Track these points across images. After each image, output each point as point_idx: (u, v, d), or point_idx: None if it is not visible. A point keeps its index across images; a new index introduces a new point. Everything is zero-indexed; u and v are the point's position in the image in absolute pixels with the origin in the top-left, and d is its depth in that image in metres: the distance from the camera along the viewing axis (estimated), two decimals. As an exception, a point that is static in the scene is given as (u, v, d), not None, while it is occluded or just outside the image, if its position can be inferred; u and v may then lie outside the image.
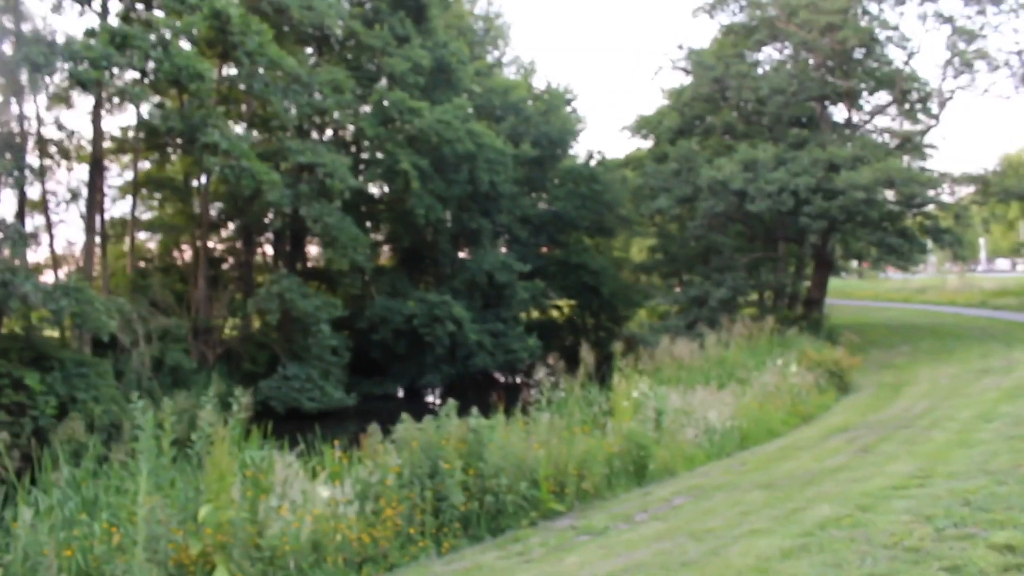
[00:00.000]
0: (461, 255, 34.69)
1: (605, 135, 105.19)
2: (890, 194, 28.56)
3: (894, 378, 22.00)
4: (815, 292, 32.22)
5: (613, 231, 44.94)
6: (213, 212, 31.18)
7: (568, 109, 44.44)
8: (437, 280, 34.39)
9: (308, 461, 11.06)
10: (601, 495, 11.24)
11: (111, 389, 21.68)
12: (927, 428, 12.06)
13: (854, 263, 42.89)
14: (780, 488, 9.50)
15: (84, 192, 25.90)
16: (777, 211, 28.33)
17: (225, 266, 32.92)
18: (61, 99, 27.62)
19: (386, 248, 39.67)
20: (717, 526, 7.93)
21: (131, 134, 27.91)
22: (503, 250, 33.48)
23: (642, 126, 41.87)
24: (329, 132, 33.12)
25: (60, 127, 26.17)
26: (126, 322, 24.96)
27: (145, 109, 23.46)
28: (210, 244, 34.45)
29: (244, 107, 30.03)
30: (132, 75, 22.31)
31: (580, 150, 44.33)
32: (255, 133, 28.82)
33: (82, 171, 27.77)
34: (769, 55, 35.98)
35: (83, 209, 25.81)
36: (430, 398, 32.27)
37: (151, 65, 21.22)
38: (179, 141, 23.66)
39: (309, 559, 8.28)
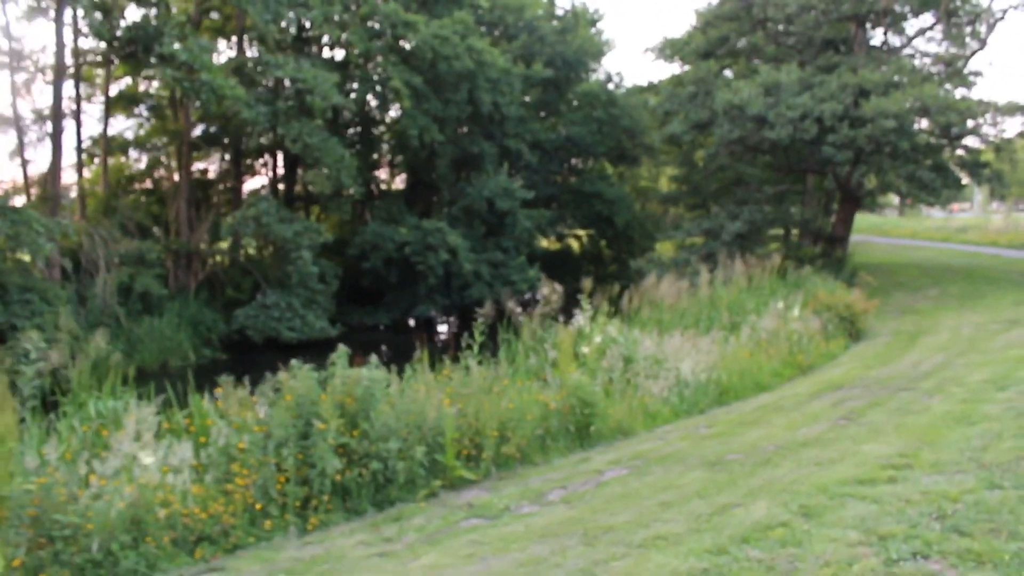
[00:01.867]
0: (465, 182, 32.62)
1: (638, 61, 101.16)
2: (925, 124, 26.03)
3: (913, 325, 19.92)
4: (839, 229, 29.85)
5: (637, 159, 42.54)
6: (199, 132, 29.35)
7: (592, 31, 41.80)
8: (437, 206, 32.48)
9: (173, 415, 9.37)
10: (530, 460, 9.55)
11: (61, 317, 20.22)
12: (929, 392, 10.13)
13: (893, 198, 40.29)
14: (728, 468, 7.69)
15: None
16: (800, 139, 25.91)
17: (215, 189, 31.25)
18: (36, 10, 25.84)
19: (386, 172, 37.86)
20: (623, 523, 6.17)
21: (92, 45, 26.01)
22: (509, 176, 31.28)
23: (667, 48, 39.09)
24: (322, 49, 31.00)
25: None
26: (91, 245, 23.53)
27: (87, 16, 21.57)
28: (200, 166, 32.91)
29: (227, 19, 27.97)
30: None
31: (603, 74, 41.49)
32: (230, 46, 26.76)
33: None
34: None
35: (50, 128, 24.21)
36: (443, 327, 30.74)
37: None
38: (134, 52, 21.72)
39: (123, 539, 6.64)
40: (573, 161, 40.50)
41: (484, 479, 8.91)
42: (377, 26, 27.52)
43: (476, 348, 10.66)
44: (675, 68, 39.41)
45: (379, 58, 27.35)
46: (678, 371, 12.11)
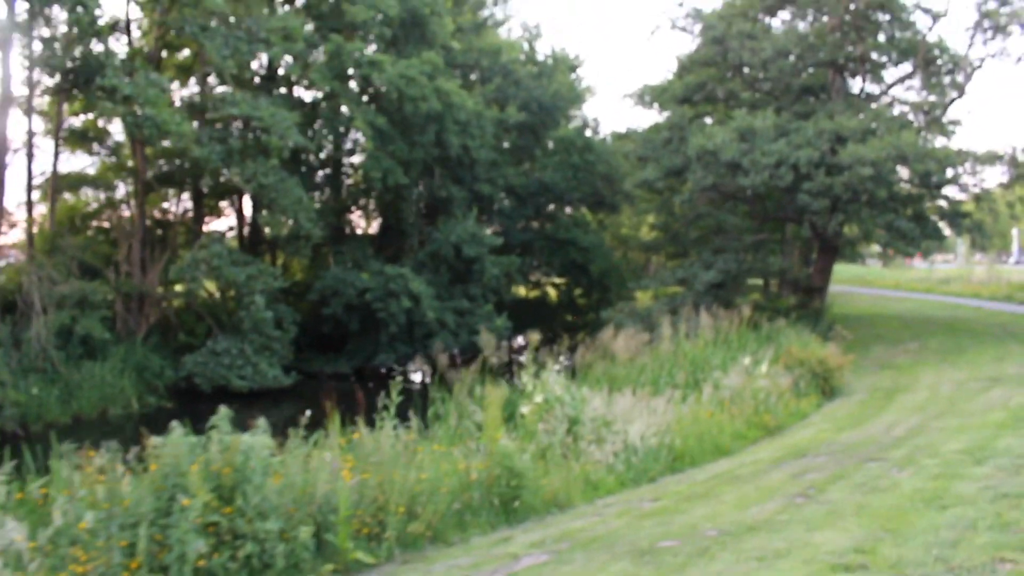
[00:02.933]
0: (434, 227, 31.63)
1: (620, 108, 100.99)
2: (906, 173, 25.29)
3: (891, 382, 18.89)
4: (817, 279, 28.94)
5: (617, 206, 41.69)
6: (160, 171, 28.31)
7: (571, 76, 41.24)
8: (403, 252, 31.42)
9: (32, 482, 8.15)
10: (444, 539, 8.37)
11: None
12: (900, 464, 9.02)
13: (875, 248, 39.53)
14: (657, 559, 6.54)
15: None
16: (775, 187, 25.10)
17: (174, 231, 30.11)
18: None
19: (361, 216, 36.85)
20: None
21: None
22: (479, 222, 30.32)
23: (646, 94, 38.47)
24: (291, 89, 30.14)
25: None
26: (31, 286, 22.34)
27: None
28: (166, 206, 31.88)
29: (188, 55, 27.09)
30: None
31: (581, 120, 40.84)
32: (195, 83, 25.84)
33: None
34: (783, 19, 32.53)
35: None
36: (417, 376, 29.48)
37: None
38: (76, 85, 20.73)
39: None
40: (549, 207, 39.60)
41: (386, 562, 7.74)
42: (340, 65, 26.64)
43: (392, 409, 9.53)
44: (655, 115, 38.89)
45: (342, 98, 26.42)
46: (625, 433, 10.97)
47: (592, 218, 45.90)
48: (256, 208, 30.79)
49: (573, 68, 42.24)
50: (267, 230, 28.20)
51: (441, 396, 11.71)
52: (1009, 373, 17.15)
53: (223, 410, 7.75)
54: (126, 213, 28.56)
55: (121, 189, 29.88)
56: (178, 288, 28.16)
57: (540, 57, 40.82)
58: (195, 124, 24.35)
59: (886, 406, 15.46)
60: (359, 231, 37.00)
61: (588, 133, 39.29)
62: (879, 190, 23.42)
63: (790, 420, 15.23)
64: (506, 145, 38.66)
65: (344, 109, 27.36)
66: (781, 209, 28.43)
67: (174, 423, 7.60)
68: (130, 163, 27.80)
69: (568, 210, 40.81)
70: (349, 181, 34.39)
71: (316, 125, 27.69)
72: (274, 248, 32.23)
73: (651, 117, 39.84)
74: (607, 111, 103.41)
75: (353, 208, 33.65)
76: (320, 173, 30.79)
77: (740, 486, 9.33)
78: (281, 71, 27.30)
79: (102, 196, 30.28)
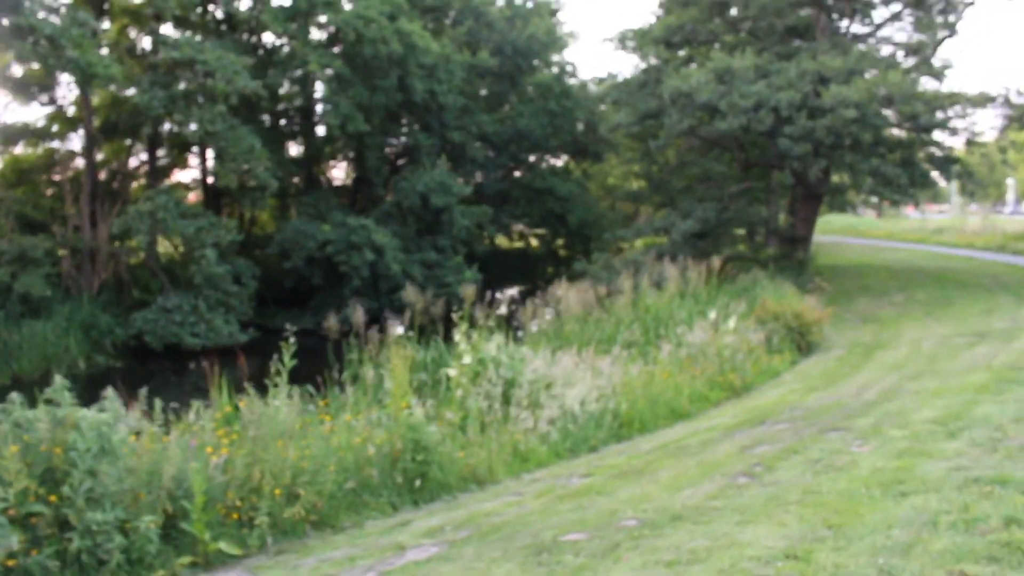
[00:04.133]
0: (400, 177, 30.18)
1: (604, 54, 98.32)
2: (894, 117, 23.91)
3: (872, 336, 17.78)
4: (801, 228, 27.70)
5: (600, 155, 40.21)
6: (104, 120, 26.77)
7: (551, 20, 39.45)
8: (370, 202, 30.07)
9: None
10: (333, 523, 7.29)
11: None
12: (863, 435, 7.89)
13: (866, 197, 38.26)
14: (556, 558, 5.43)
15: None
16: (754, 131, 23.75)
17: (128, 184, 28.68)
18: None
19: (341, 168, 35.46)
20: None
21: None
22: (450, 171, 28.93)
23: (626, 38, 36.81)
24: (251, 36, 28.48)
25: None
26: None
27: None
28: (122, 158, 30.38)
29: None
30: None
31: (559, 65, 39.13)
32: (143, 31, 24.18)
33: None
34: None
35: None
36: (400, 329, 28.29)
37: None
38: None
39: None
40: (527, 156, 38.10)
41: (258, 552, 6.63)
42: (294, 5, 25.01)
43: (286, 375, 8.37)
44: (639, 62, 37.28)
45: (298, 42, 24.86)
46: (563, 398, 9.82)
47: (575, 168, 44.48)
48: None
49: (553, 12, 40.49)
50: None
51: (359, 357, 10.56)
52: (996, 328, 16.02)
53: (58, 380, 6.54)
54: (80, 166, 27.09)
55: (76, 142, 28.39)
56: (133, 243, 26.90)
57: (518, 0, 39.09)
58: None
59: (863, 364, 14.35)
60: (336, 183, 35.74)
61: (568, 79, 37.59)
62: (863, 133, 22.12)
63: (760, 379, 14.14)
64: (484, 93, 37.13)
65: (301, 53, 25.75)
66: (762, 155, 27.08)
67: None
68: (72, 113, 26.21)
69: (548, 159, 39.42)
70: (323, 131, 32.92)
71: (272, 71, 26.10)
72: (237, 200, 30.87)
73: (635, 63, 37.92)
74: (593, 57, 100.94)
75: (321, 159, 32.11)
76: (283, 122, 29.21)
77: (682, 460, 8.21)
78: (221, 13, 25.61)
79: (56, 148, 28.76)
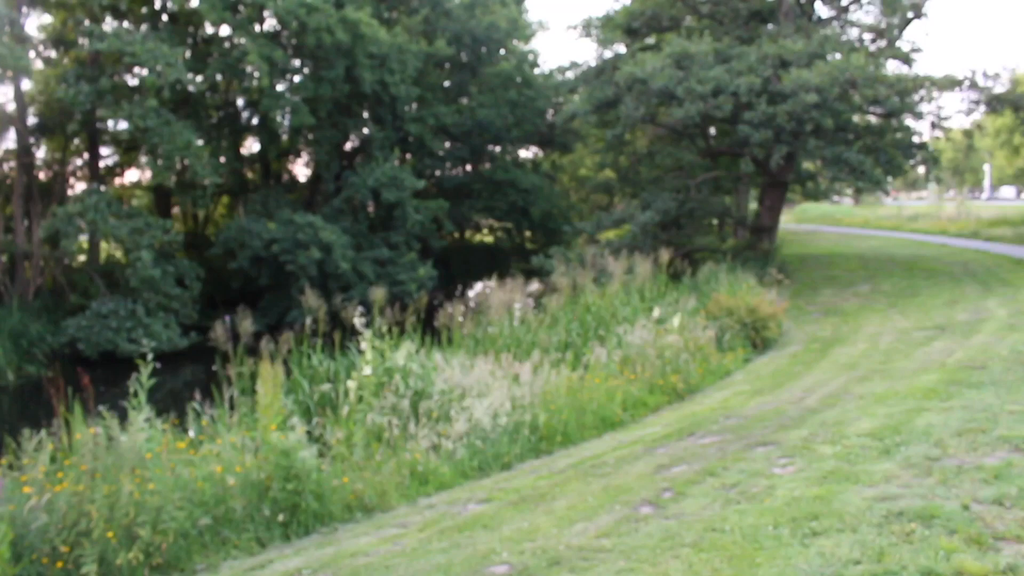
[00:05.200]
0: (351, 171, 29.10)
1: (573, 43, 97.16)
2: (859, 101, 23.05)
3: (832, 331, 16.92)
4: (766, 218, 26.84)
5: (568, 145, 39.31)
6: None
7: (516, 9, 38.43)
8: (324, 199, 29.00)
9: None
10: (182, 567, 6.30)
11: None
12: (791, 453, 6.99)
13: (837, 185, 37.55)
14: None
15: None
16: (712, 117, 22.86)
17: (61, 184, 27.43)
18: None
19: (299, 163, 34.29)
20: None
21: None
22: (403, 164, 27.94)
23: (589, 25, 35.86)
24: (190, 27, 27.26)
25: None
26: None
27: None
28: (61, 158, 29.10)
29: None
30: None
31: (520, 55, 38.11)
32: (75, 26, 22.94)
33: None
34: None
35: None
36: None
37: None
38: None
39: None
40: (491, 148, 37.09)
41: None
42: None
43: (144, 396, 7.41)
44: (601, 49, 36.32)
45: (236, 31, 23.73)
46: (471, 410, 8.88)
47: (544, 159, 43.58)
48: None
49: (519, 0, 39.50)
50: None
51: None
52: (958, 320, 15.21)
53: None
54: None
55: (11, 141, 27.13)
56: (75, 246, 25.75)
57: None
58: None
59: (816, 362, 13.48)
60: (296, 180, 34.67)
61: (531, 68, 36.58)
62: (825, 119, 21.26)
63: (708, 380, 13.26)
64: (447, 84, 36.13)
65: (240, 43, 24.62)
66: (727, 143, 26.22)
67: None
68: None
69: (514, 150, 38.48)
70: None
71: (211, 62, 24.95)
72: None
73: (598, 51, 36.88)
74: (564, 47, 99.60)
75: (270, 154, 30.97)
76: (226, 117, 28.05)
77: (590, 483, 7.28)
78: (159, 3, 24.45)
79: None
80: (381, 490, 7.73)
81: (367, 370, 9.11)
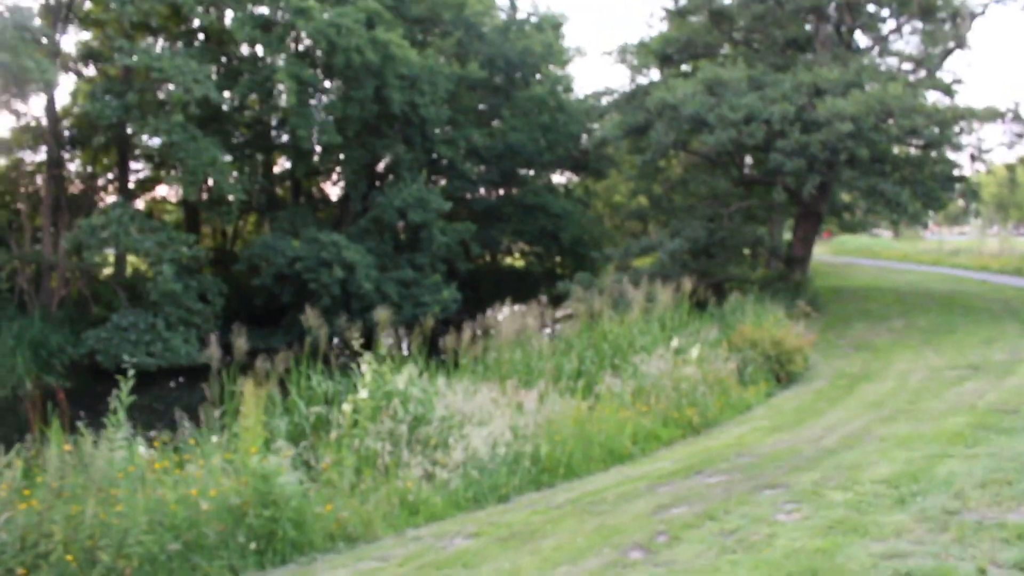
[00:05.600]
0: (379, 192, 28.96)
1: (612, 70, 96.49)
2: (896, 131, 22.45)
3: (861, 367, 16.32)
4: (798, 248, 26.24)
5: (602, 171, 38.99)
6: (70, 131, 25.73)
7: (551, 34, 38.29)
8: (352, 218, 28.87)
9: None
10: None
11: None
12: (799, 498, 6.51)
13: (870, 217, 36.66)
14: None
15: None
16: (745, 145, 22.41)
17: (97, 198, 27.60)
18: None
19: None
20: None
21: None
22: (432, 185, 27.74)
23: (625, 52, 35.59)
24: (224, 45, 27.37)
25: None
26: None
27: None
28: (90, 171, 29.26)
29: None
30: None
31: (554, 78, 37.88)
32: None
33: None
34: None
35: None
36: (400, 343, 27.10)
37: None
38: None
39: None
40: (524, 172, 36.83)
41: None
42: (265, 12, 23.95)
43: (122, 413, 7.15)
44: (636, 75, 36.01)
45: (267, 50, 23.74)
46: (468, 439, 8.51)
47: (578, 185, 43.28)
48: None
49: (556, 26, 39.36)
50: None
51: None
52: (994, 360, 14.56)
53: None
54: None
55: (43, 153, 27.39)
56: (99, 259, 25.86)
57: (521, 15, 37.98)
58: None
59: (841, 399, 12.94)
60: (324, 199, 34.67)
61: (565, 93, 36.34)
62: (859, 149, 20.72)
63: (727, 414, 12.76)
64: (482, 108, 36.02)
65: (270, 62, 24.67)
66: (753, 171, 25.73)
67: None
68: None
69: (546, 175, 38.22)
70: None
71: (240, 80, 25.00)
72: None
73: (632, 77, 36.56)
74: (602, 73, 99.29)
75: (298, 173, 30.97)
76: (255, 135, 28.11)
77: (585, 521, 6.86)
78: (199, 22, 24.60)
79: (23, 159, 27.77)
80: (367, 520, 7.38)
81: (363, 392, 8.78)
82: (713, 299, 20.42)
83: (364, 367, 9.44)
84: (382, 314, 10.74)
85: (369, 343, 12.01)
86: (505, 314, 13.32)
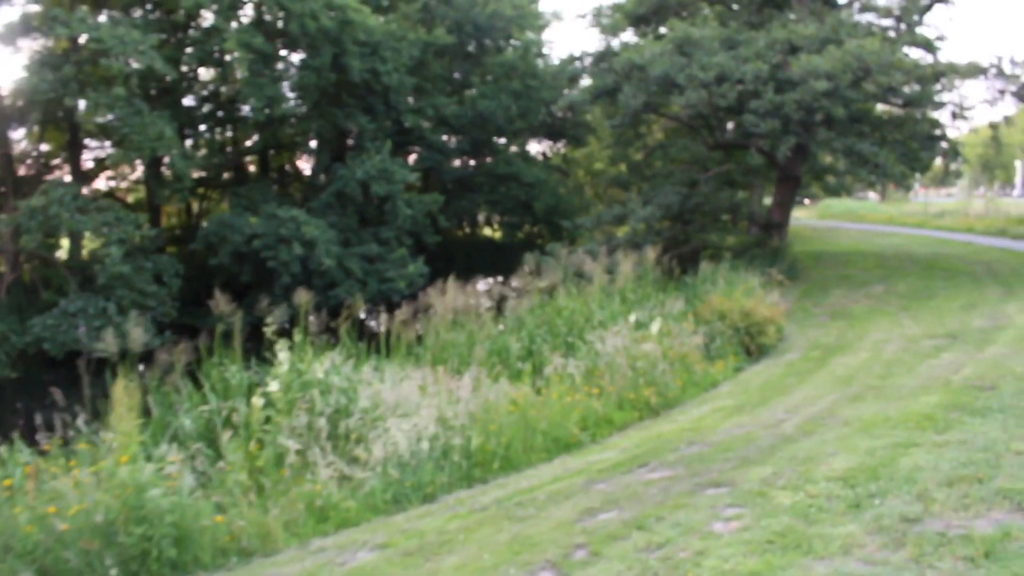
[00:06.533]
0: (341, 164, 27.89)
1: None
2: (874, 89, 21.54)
3: (836, 337, 15.56)
4: (776, 214, 25.41)
5: (580, 139, 38.05)
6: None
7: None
8: (313, 193, 27.85)
9: None
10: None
11: None
12: (743, 501, 5.70)
13: (846, 179, 35.83)
14: None
15: None
16: (716, 106, 21.49)
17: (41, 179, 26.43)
18: None
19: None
20: None
21: None
22: (395, 156, 26.70)
23: (601, 14, 34.46)
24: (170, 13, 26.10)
25: None
26: None
27: None
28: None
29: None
30: None
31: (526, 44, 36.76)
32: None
33: None
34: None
35: None
36: (374, 323, 26.23)
37: None
38: None
39: None
40: (496, 140, 35.76)
41: None
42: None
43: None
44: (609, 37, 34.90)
45: (216, 18, 22.57)
46: (389, 434, 7.67)
47: (556, 153, 42.38)
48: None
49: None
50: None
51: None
52: (973, 327, 13.80)
53: None
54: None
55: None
56: (53, 241, 24.87)
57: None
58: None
59: (812, 373, 12.17)
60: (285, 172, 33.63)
61: (537, 58, 35.25)
62: (835, 108, 19.82)
63: (690, 393, 11.97)
64: (456, 76, 34.92)
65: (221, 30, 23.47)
66: (726, 133, 24.82)
67: None
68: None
69: (519, 142, 37.24)
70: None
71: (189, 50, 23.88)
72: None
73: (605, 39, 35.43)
74: (578, 39, 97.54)
75: (255, 147, 29.90)
76: (209, 107, 26.99)
77: (501, 529, 6.05)
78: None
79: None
80: (266, 530, 6.54)
81: (273, 384, 7.93)
82: (686, 268, 19.63)
83: (281, 355, 8.59)
84: (302, 296, 9.89)
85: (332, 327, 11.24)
86: (438, 290, 12.41)
